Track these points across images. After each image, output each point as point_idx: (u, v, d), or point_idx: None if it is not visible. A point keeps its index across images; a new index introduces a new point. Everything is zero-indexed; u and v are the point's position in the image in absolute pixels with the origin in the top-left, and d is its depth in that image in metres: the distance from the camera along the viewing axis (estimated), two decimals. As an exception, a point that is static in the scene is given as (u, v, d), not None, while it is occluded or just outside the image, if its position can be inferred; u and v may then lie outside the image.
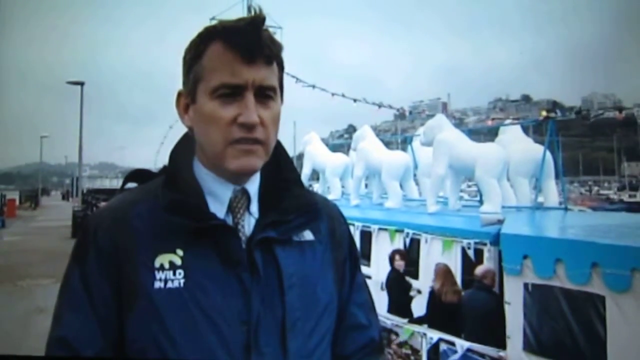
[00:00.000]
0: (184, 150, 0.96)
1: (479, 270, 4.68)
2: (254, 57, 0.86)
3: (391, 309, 5.48)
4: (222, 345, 0.83)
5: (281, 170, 0.99)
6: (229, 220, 0.92)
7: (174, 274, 0.85)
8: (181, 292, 0.84)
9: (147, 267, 0.85)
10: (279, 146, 0.98)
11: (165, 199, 0.88)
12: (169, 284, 0.84)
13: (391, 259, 5.71)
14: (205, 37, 0.89)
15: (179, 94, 0.95)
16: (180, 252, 0.86)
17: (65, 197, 43.95)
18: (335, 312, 0.97)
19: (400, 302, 5.54)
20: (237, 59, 0.86)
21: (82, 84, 21.24)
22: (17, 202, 29.09)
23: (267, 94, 0.89)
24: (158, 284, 0.84)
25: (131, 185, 1.00)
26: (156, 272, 0.84)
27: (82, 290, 0.86)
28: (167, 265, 0.85)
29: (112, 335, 0.85)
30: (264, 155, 0.90)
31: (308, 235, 0.97)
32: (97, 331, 0.84)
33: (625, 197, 36.09)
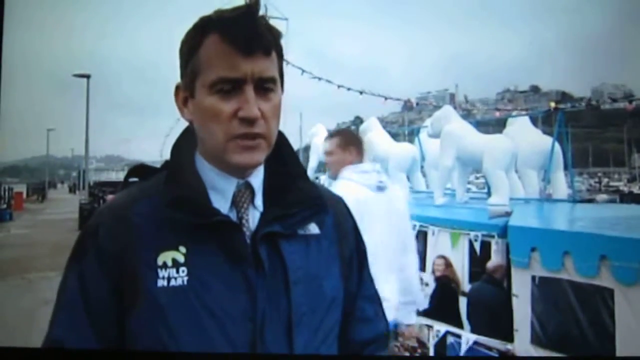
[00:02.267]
0: (185, 144, 0.94)
1: (490, 264, 4.67)
2: (251, 49, 0.84)
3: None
4: (227, 342, 0.82)
5: (285, 163, 0.97)
6: (233, 215, 0.90)
7: (177, 271, 0.83)
8: (185, 290, 0.83)
9: (149, 265, 0.83)
10: (282, 139, 0.96)
11: (168, 195, 0.87)
12: (172, 282, 0.83)
13: None
14: (201, 28, 0.87)
15: (177, 87, 0.93)
16: (183, 249, 0.84)
17: (72, 189, 44.22)
18: (342, 306, 0.97)
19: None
20: (235, 52, 0.83)
21: (88, 76, 21.35)
22: (25, 195, 29.28)
23: (267, 86, 0.86)
24: (161, 282, 0.83)
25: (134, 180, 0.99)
26: (159, 270, 0.83)
27: (78, 291, 0.85)
28: (170, 263, 0.84)
29: (108, 336, 0.84)
30: (266, 149, 0.89)
31: (313, 228, 0.95)
32: (91, 334, 0.84)
33: (635, 188, 35.77)
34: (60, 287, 0.88)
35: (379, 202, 2.56)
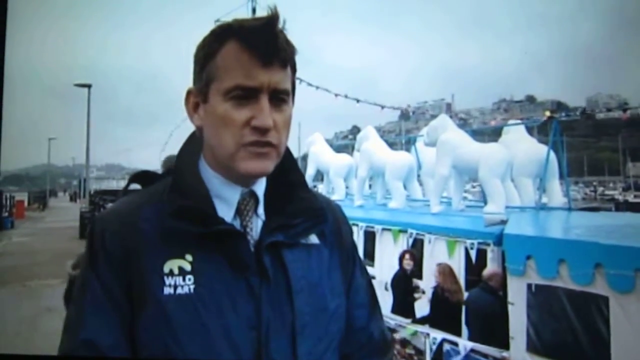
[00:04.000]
0: (190, 152, 0.94)
1: (486, 272, 4.68)
2: (270, 60, 0.84)
3: (395, 309, 5.49)
4: (232, 350, 0.83)
5: (287, 172, 0.97)
6: (237, 224, 0.91)
7: (184, 279, 0.84)
8: (191, 298, 0.83)
9: (156, 272, 0.84)
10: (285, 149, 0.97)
11: (173, 204, 0.87)
12: (179, 290, 0.83)
13: (401, 258, 5.69)
14: (220, 35, 0.87)
15: (189, 92, 0.92)
16: (189, 257, 0.85)
17: (72, 198, 44.02)
18: (344, 314, 0.97)
19: (404, 302, 5.54)
20: (253, 61, 0.84)
21: (89, 86, 21.34)
22: (26, 204, 29.19)
23: (281, 98, 0.87)
24: (168, 290, 0.83)
25: (134, 186, 1.00)
26: (166, 278, 0.83)
27: (102, 293, 0.85)
28: (176, 271, 0.84)
29: (130, 337, 0.84)
30: (275, 158, 0.89)
31: (314, 238, 0.96)
32: (121, 333, 0.84)
33: (630, 197, 35.87)
34: (81, 293, 0.87)
35: None
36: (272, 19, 0.85)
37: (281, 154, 0.90)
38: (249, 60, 0.84)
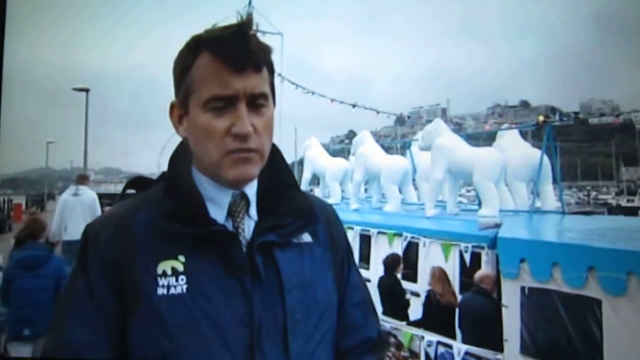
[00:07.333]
0: (182, 157, 0.96)
1: (477, 274, 4.70)
2: (243, 67, 0.85)
3: (386, 313, 5.48)
4: (225, 349, 0.84)
5: (278, 173, 1.00)
6: (229, 225, 0.93)
7: (177, 280, 0.85)
8: (184, 298, 0.84)
9: (149, 274, 0.85)
10: (275, 150, 0.98)
11: (166, 207, 0.89)
12: (172, 290, 0.85)
13: (395, 266, 5.60)
14: (193, 48, 0.88)
15: (172, 105, 0.94)
16: (182, 258, 0.87)
17: (70, 201, 43.68)
18: (336, 312, 0.99)
19: (397, 307, 5.54)
20: (226, 70, 0.85)
21: (87, 90, 21.22)
22: (24, 207, 29.03)
23: (259, 102, 0.88)
24: (161, 291, 0.84)
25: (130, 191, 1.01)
26: (159, 279, 0.85)
27: (88, 298, 0.86)
28: (169, 272, 0.85)
29: (117, 343, 0.86)
30: (259, 162, 0.91)
31: (306, 237, 0.98)
32: (104, 339, 0.85)
33: (623, 201, 36.14)
34: (67, 296, 0.89)
35: (74, 201, 6.14)
36: (242, 26, 0.87)
37: (265, 158, 0.92)
38: (222, 70, 0.85)
